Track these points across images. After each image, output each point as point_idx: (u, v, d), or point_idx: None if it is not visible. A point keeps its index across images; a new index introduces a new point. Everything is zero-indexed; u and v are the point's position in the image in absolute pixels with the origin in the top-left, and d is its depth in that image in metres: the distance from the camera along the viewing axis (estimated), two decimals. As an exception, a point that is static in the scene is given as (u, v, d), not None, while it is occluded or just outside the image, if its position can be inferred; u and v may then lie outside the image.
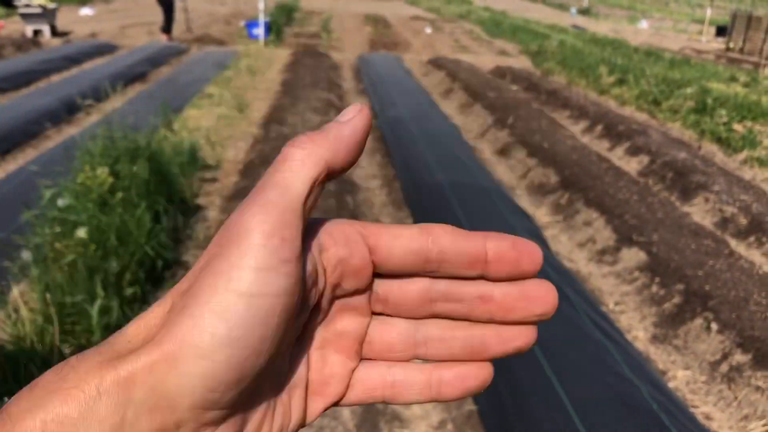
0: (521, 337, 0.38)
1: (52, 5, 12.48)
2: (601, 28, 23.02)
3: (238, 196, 5.04)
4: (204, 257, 0.32)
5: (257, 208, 0.31)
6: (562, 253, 4.69)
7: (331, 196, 5.00)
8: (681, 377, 3.37)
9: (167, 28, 12.76)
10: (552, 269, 3.86)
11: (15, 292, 2.96)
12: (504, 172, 6.45)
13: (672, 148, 6.93)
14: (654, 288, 4.06)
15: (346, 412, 2.71)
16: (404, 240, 0.36)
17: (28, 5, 11.91)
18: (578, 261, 4.62)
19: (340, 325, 0.38)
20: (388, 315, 0.39)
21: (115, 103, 8.16)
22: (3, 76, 8.45)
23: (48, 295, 2.71)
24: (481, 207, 4.77)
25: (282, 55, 12.31)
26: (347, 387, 0.38)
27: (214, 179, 5.50)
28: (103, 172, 3.34)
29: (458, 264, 0.36)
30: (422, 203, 5.00)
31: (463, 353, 0.38)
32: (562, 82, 11.43)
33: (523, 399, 2.73)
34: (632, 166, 6.76)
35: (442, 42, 15.91)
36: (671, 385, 3.30)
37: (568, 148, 6.59)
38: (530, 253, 0.37)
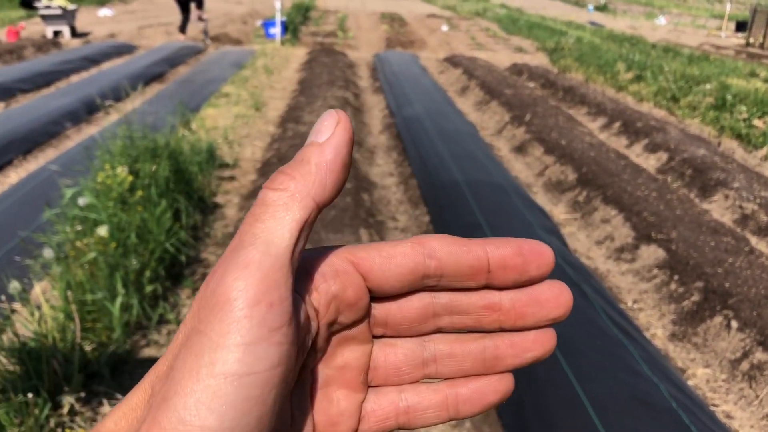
0: (537, 346, 0.35)
1: (71, 6, 12.59)
2: (618, 24, 22.85)
3: (256, 194, 5.07)
4: (182, 332, 0.29)
5: (239, 271, 0.27)
6: (580, 251, 4.67)
7: (348, 194, 5.01)
8: (701, 375, 3.35)
9: (183, 28, 12.85)
10: (570, 267, 3.85)
11: (37, 289, 3.00)
12: (521, 169, 6.43)
13: (691, 144, 6.88)
14: (673, 285, 4.03)
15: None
16: (398, 259, 0.32)
17: (48, 6, 12.04)
18: (596, 258, 4.60)
19: (341, 359, 0.35)
20: (390, 336, 0.36)
21: (134, 102, 8.23)
22: (24, 77, 8.55)
23: (69, 293, 2.75)
24: (498, 204, 4.76)
25: (298, 54, 12.34)
26: (359, 421, 0.35)
27: (232, 178, 5.54)
28: (123, 170, 3.38)
29: (459, 276, 0.33)
30: (439, 201, 5.00)
31: (475, 368, 0.35)
32: (580, 79, 11.37)
33: (541, 396, 2.73)
34: (650, 163, 6.71)
35: (458, 40, 15.87)
36: (691, 383, 3.28)
37: (585, 145, 6.55)
38: (538, 257, 0.33)
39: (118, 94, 8.19)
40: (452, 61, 12.16)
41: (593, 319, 3.26)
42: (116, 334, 2.87)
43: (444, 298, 0.35)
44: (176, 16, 16.33)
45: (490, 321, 0.35)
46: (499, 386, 0.36)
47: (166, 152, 4.01)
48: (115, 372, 2.84)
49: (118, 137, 4.04)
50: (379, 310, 0.35)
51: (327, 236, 4.20)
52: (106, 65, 10.47)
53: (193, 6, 12.65)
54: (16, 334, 2.50)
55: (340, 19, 18.34)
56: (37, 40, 11.48)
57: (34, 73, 8.88)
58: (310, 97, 8.44)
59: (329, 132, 0.31)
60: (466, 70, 10.95)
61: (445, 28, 17.64)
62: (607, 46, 14.83)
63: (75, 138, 6.60)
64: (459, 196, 4.95)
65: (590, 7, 30.54)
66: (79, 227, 3.06)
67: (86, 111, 7.35)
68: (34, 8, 12.33)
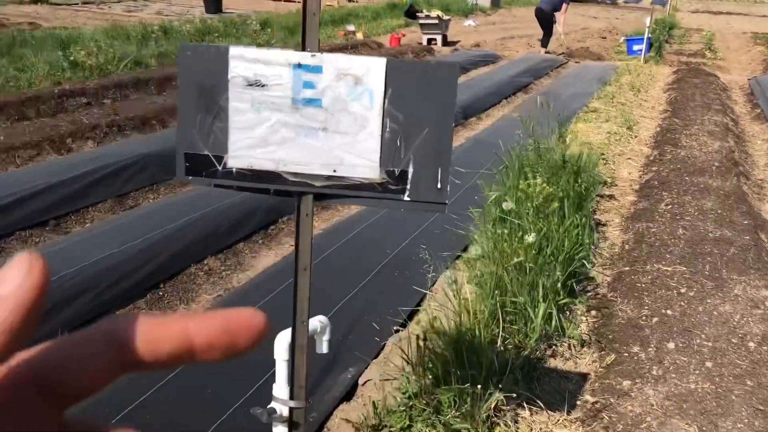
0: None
1: (446, 17, 13.57)
2: None
3: (639, 217, 4.88)
4: None
5: None
6: None
7: (745, 232, 4.56)
8: None
9: (545, 43, 13.04)
10: None
11: (463, 282, 3.22)
12: None
13: None
14: None
15: None
16: (89, 365, 0.28)
17: (428, 16, 13.12)
18: None
19: None
20: None
21: (504, 110, 8.56)
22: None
23: (497, 293, 2.89)
24: None
25: (663, 72, 11.71)
26: None
27: (611, 196, 5.41)
28: (541, 181, 3.47)
29: (158, 363, 0.29)
30: None
31: None
32: None
33: None
34: None
35: None
36: None
37: None
38: (248, 330, 0.30)
39: (488, 101, 8.60)
40: None
41: None
42: (531, 340, 2.94)
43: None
44: (536, 29, 16.68)
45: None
46: None
47: (573, 168, 4.03)
48: (525, 377, 2.92)
49: (528, 148, 4.17)
50: None
51: (730, 276, 3.85)
52: (473, 73, 11.05)
53: (557, 22, 12.78)
54: (431, 325, 2.69)
55: (706, 38, 17.02)
56: (414, 47, 12.58)
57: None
58: (685, 119, 7.92)
59: (15, 283, 0.26)
60: None
61: (837, 52, 15.32)
62: None
63: (454, 140, 7.07)
64: None
65: None
66: (505, 230, 3.21)
67: (462, 116, 7.82)
68: (416, 18, 13.55)
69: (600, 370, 3.06)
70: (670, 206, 4.98)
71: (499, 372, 2.75)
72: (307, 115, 1.42)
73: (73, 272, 3.42)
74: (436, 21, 13.08)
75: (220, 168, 1.45)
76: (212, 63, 1.42)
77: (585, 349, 3.24)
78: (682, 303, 3.53)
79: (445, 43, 13.43)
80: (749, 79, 11.62)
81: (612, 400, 2.78)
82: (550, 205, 3.45)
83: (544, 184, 3.46)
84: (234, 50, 1.42)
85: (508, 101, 9.24)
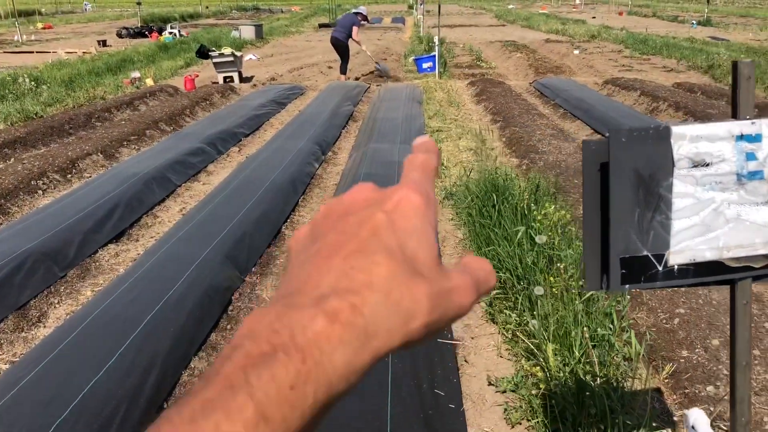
0: None
1: (239, 53, 13.17)
2: (738, 38, 22.28)
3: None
4: None
5: None
6: None
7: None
8: None
9: (344, 70, 13.27)
10: None
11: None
12: None
13: None
14: None
15: None
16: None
17: (222, 54, 12.62)
18: None
19: None
20: None
21: (349, 140, 8.48)
22: (241, 123, 8.96)
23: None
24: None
25: (460, 86, 12.49)
26: None
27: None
28: (553, 208, 3.48)
29: None
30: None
31: None
32: (760, 95, 11.11)
33: None
34: None
35: (599, 63, 15.76)
36: None
37: None
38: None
39: (331, 134, 8.48)
40: (615, 83, 12.04)
41: None
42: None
43: None
44: (318, 57, 16.87)
45: None
46: None
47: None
48: None
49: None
50: None
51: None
52: (291, 106, 10.85)
53: (360, 45, 13.11)
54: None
55: (468, 49, 18.55)
56: (218, 87, 11.97)
57: (246, 117, 9.28)
58: (520, 126, 8.49)
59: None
60: (644, 91, 10.84)
61: (576, 51, 17.58)
62: (751, 59, 14.45)
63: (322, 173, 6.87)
64: None
65: (693, 22, 29.92)
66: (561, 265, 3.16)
67: (321, 151, 7.63)
68: (209, 57, 12.95)
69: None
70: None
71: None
72: (751, 190, 1.24)
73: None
74: (231, 58, 12.64)
75: (660, 268, 1.20)
76: (651, 147, 1.18)
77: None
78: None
79: (242, 79, 13.03)
80: (531, 83, 12.85)
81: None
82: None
83: (562, 212, 3.47)
84: (677, 129, 1.19)
85: (348, 131, 9.21)
